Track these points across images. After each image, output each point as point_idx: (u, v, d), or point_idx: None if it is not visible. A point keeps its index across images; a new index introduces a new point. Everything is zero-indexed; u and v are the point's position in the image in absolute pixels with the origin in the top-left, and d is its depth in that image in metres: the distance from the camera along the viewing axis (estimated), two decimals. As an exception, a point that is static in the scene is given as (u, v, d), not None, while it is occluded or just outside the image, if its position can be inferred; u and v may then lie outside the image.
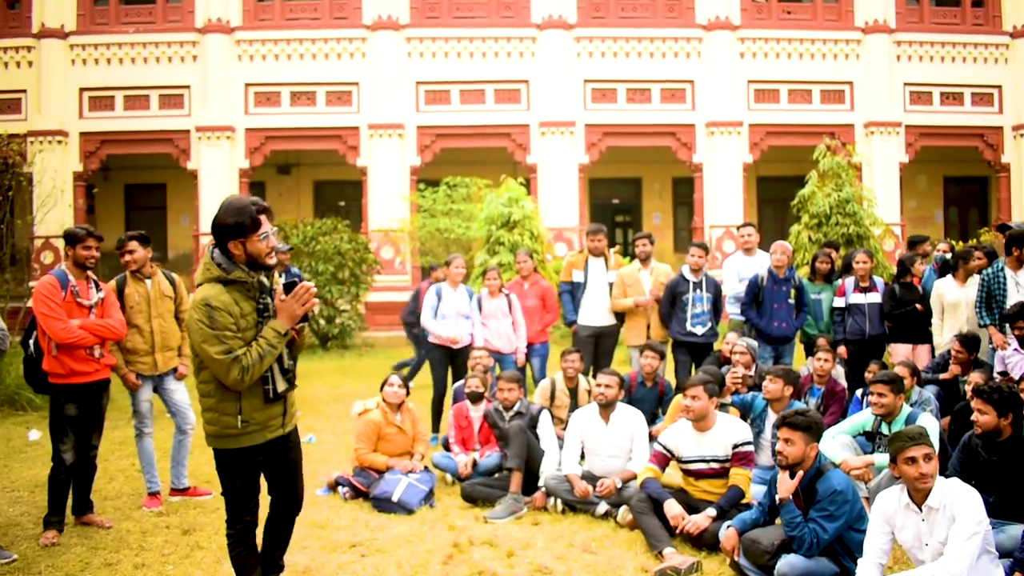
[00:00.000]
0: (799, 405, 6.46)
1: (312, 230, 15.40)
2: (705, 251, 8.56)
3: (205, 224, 18.77)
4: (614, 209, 23.81)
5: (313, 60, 19.14)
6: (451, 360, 8.47)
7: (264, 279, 3.89)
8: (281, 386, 3.90)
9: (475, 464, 6.83)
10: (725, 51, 19.51)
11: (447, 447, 7.24)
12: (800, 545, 4.45)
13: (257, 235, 3.80)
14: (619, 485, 6.01)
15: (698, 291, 8.33)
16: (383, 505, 6.20)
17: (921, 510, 4.00)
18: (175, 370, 6.40)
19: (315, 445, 8.32)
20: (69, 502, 5.78)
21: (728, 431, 5.62)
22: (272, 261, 3.87)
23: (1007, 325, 6.99)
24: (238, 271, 3.79)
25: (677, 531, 5.31)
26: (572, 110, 19.25)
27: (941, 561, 3.81)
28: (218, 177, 18.89)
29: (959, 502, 3.89)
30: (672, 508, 5.39)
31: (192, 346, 3.82)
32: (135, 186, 22.40)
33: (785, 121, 19.62)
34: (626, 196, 23.76)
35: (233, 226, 3.77)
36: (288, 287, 3.82)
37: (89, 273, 5.73)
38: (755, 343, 7.95)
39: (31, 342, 5.72)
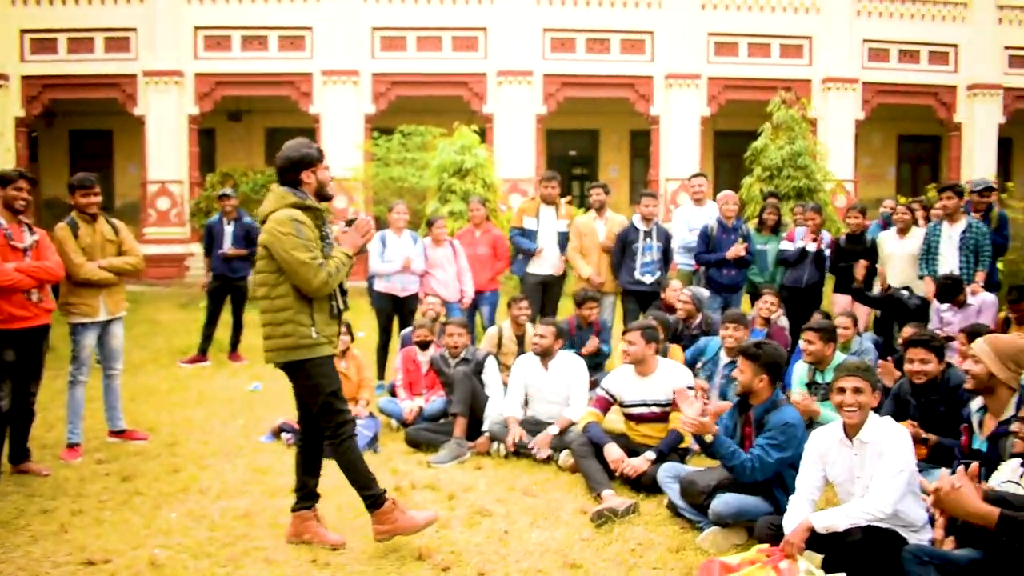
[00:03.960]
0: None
1: (263, 178, 15.13)
2: (656, 200, 8.58)
3: (153, 172, 18.40)
4: (571, 161, 23.68)
5: (265, 3, 18.61)
6: (397, 307, 8.41)
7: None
8: (342, 304, 4.50)
9: (421, 411, 6.82)
10: (686, 2, 19.34)
11: (393, 393, 7.22)
12: (742, 472, 4.49)
13: (323, 165, 4.46)
14: (554, 433, 6.06)
15: (648, 240, 8.35)
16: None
17: (853, 444, 4.07)
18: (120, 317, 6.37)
19: (260, 393, 8.26)
20: (5, 450, 5.68)
21: (670, 376, 5.67)
22: (331, 192, 4.57)
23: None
24: (310, 200, 4.40)
25: (616, 474, 5.37)
26: (530, 59, 19.02)
27: (867, 496, 3.89)
28: (166, 123, 18.45)
29: (888, 439, 3.95)
30: (612, 451, 5.44)
31: (273, 261, 4.27)
32: (80, 132, 21.79)
33: (744, 75, 19.56)
34: (583, 148, 23.65)
35: (306, 157, 4.40)
36: (349, 222, 4.54)
37: (22, 217, 5.58)
38: (704, 292, 8.04)
39: (-34, 287, 5.58)
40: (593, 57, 19.35)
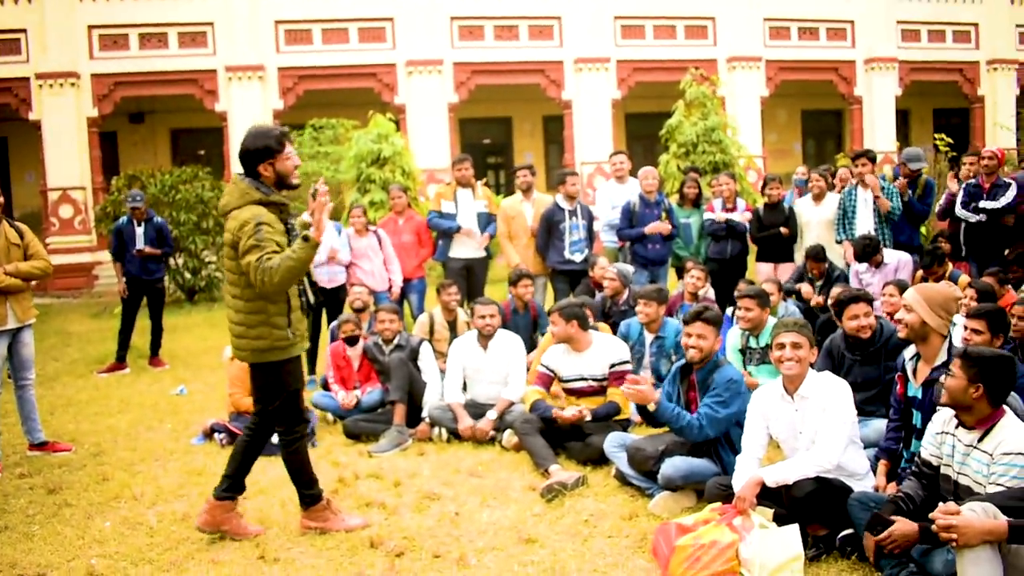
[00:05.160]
0: (672, 322, 6.64)
1: (171, 179, 14.58)
2: (578, 178, 8.62)
3: (53, 179, 17.60)
4: (485, 150, 23.62)
5: (162, -1, 18.01)
6: (325, 299, 8.22)
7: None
8: (313, 298, 4.36)
9: (358, 402, 6.69)
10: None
11: (326, 387, 7.06)
12: (691, 432, 4.53)
13: (284, 155, 4.16)
14: (493, 417, 6.02)
15: (574, 219, 8.36)
16: (270, 448, 5.98)
17: (793, 400, 4.14)
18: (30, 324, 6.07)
19: (187, 397, 8.00)
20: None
21: (605, 350, 5.70)
22: (296, 181, 4.25)
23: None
24: (276, 194, 4.15)
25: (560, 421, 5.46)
26: (439, 48, 18.84)
27: (813, 450, 3.97)
28: (64, 128, 17.58)
29: (829, 392, 4.05)
30: (563, 414, 5.48)
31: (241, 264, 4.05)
32: (-29, 141, 20.77)
33: (651, 57, 19.75)
34: (497, 136, 23.62)
35: (262, 149, 4.11)
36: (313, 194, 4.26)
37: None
38: (629, 268, 8.09)
39: None
40: (502, 44, 19.28)
